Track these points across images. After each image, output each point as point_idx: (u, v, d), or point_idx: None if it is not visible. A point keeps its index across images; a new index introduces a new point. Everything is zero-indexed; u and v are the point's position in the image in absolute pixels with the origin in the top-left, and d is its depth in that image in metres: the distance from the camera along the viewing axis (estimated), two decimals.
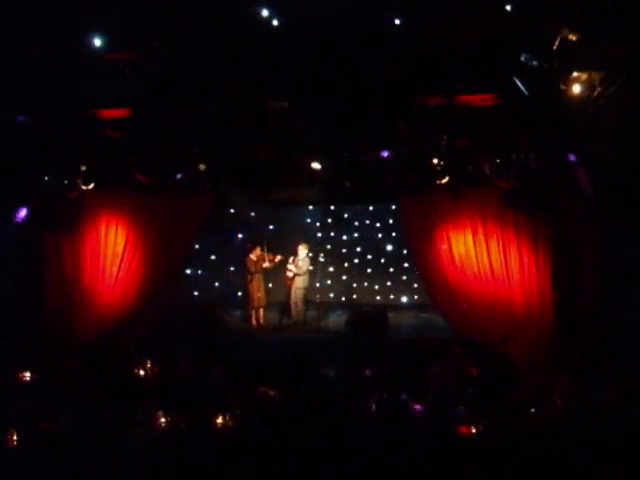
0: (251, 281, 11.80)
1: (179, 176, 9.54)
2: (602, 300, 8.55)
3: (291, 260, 11.78)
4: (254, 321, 11.86)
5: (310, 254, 11.98)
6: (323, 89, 7.83)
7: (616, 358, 7.98)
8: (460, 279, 9.78)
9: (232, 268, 13.47)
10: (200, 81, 7.90)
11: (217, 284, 13.81)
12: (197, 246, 13.19)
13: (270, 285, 13.11)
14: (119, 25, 7.06)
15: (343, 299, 13.74)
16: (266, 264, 11.86)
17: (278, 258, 11.94)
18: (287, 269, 11.85)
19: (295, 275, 11.72)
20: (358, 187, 9.58)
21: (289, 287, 11.91)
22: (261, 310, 11.89)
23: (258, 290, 11.77)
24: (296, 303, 11.78)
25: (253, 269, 11.79)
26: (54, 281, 9.87)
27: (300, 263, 11.75)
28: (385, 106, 8.02)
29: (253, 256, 11.84)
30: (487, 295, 9.56)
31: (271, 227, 13.70)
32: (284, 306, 11.93)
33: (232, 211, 13.06)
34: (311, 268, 12.01)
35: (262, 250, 11.91)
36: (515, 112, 7.76)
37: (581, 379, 7.67)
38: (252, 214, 13.24)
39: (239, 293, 13.20)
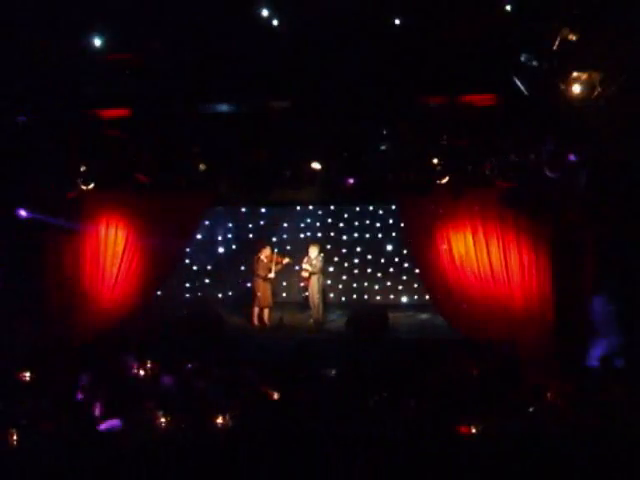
0: (256, 280, 11.75)
1: (179, 176, 9.55)
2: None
3: (305, 260, 11.78)
4: (256, 320, 11.80)
5: (322, 254, 11.99)
6: (323, 89, 7.83)
7: (615, 358, 7.98)
8: (460, 279, 9.78)
9: (234, 266, 13.48)
10: (200, 81, 7.90)
11: (218, 284, 13.80)
12: (198, 246, 13.24)
13: (284, 283, 13.29)
14: (119, 25, 7.06)
15: (343, 299, 13.74)
16: (275, 267, 11.69)
17: (286, 260, 11.89)
18: (302, 269, 11.82)
19: (311, 274, 11.71)
20: (358, 187, 9.59)
21: (305, 288, 11.92)
22: (266, 310, 11.80)
23: (262, 290, 11.69)
24: (314, 302, 11.79)
25: (261, 270, 11.68)
26: (54, 281, 9.88)
27: (314, 262, 11.73)
28: (385, 106, 8.03)
29: (263, 256, 11.74)
30: (487, 295, 9.57)
31: (271, 227, 13.69)
32: (283, 306, 11.94)
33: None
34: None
35: (272, 251, 11.84)
36: (515, 112, 7.76)
37: (580, 379, 7.67)
38: (252, 214, 13.25)
39: (240, 293, 13.21)
